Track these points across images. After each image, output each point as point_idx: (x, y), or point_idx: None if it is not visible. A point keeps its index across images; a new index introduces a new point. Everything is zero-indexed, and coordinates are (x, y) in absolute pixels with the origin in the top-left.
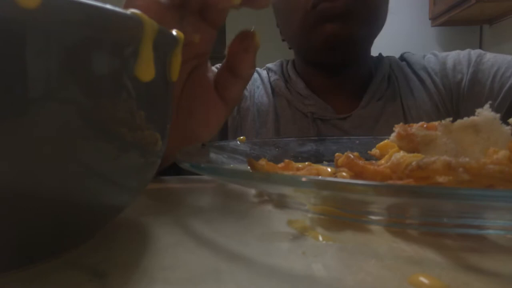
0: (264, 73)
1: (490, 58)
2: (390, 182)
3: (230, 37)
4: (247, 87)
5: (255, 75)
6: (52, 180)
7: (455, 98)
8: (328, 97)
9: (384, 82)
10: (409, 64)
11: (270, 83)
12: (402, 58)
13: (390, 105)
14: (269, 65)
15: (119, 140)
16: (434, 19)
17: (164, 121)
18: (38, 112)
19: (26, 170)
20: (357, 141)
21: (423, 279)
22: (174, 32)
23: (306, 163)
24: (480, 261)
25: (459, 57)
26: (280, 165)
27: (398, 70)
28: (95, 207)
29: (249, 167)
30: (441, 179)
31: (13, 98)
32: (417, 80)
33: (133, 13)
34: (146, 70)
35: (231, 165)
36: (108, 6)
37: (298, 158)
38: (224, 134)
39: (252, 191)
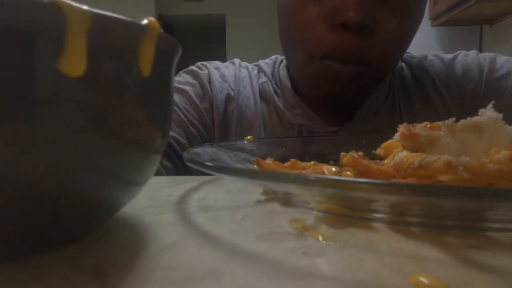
0: (255, 72)
1: (503, 64)
2: (393, 180)
3: (230, 36)
4: (233, 87)
5: (244, 73)
6: (56, 173)
7: (467, 108)
8: (319, 106)
9: (384, 92)
10: (410, 69)
11: (258, 85)
12: (402, 60)
13: (388, 120)
14: (262, 62)
15: (121, 135)
16: (434, 19)
17: (164, 119)
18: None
19: (31, 163)
20: (364, 141)
21: (423, 279)
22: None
23: (312, 162)
24: (481, 259)
25: (467, 62)
26: (286, 164)
27: (399, 76)
28: (95, 201)
29: (256, 166)
30: (442, 177)
31: (21, 99)
32: (419, 89)
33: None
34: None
35: (238, 165)
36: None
37: (304, 157)
38: (211, 139)
39: (259, 190)
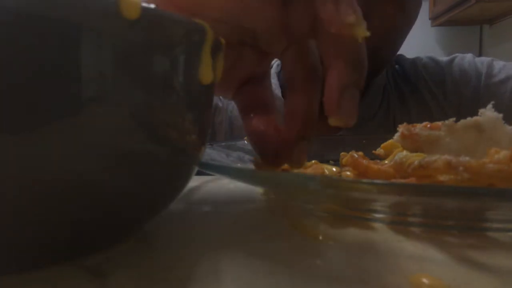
0: None
1: (501, 69)
2: (393, 180)
3: None
4: (221, 97)
5: None
6: (99, 180)
7: (464, 111)
8: None
9: (379, 95)
10: (404, 71)
11: None
12: (396, 62)
13: (382, 126)
14: None
15: (170, 144)
16: (434, 19)
17: (208, 126)
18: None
19: (75, 169)
20: (364, 141)
21: (423, 279)
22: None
23: (313, 161)
24: (481, 258)
25: (464, 66)
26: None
27: (392, 78)
28: (129, 211)
29: (255, 166)
30: (442, 177)
31: (69, 98)
32: (413, 91)
33: (198, 22)
34: (206, 74)
35: (238, 165)
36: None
37: None
38: None
39: (259, 190)
